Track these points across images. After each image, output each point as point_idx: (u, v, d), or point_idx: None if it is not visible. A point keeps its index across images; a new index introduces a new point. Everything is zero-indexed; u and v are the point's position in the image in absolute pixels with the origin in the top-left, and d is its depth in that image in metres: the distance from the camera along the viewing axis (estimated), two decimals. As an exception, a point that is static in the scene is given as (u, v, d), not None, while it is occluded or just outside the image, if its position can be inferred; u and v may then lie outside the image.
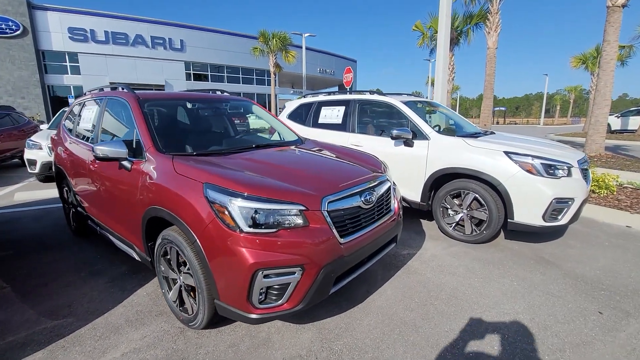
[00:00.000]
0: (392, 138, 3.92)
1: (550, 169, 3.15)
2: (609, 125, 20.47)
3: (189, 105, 3.11)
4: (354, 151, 3.04)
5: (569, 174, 3.21)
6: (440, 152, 3.69)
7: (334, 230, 1.91)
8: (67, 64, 25.63)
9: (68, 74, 25.77)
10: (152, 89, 29.01)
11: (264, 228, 1.76)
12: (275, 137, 3.61)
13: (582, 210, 3.53)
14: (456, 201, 3.65)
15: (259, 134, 3.93)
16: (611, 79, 7.99)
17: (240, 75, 33.26)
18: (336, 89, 52.22)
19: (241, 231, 1.73)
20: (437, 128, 4.58)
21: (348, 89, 14.57)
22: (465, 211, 3.56)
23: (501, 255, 3.28)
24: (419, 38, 13.81)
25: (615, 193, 4.85)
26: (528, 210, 3.18)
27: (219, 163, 2.23)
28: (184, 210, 1.93)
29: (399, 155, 4.02)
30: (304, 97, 5.62)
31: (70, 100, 24.07)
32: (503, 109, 55.60)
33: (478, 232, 3.48)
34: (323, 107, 5.12)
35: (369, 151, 4.29)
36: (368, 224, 2.20)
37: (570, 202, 3.15)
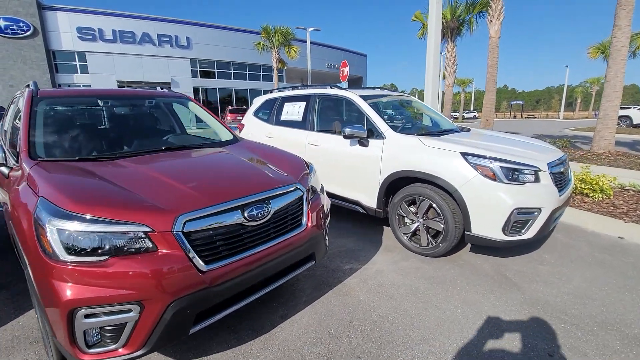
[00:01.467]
0: (345, 137, 3.51)
1: (512, 173, 2.67)
2: (630, 118, 19.21)
3: (100, 103, 2.80)
4: (278, 154, 2.66)
5: (537, 179, 2.72)
6: (395, 152, 3.26)
7: (193, 256, 1.55)
8: (77, 63, 26.11)
9: (78, 73, 26.27)
10: (159, 87, 29.22)
11: (89, 256, 1.41)
12: (214, 137, 3.27)
13: (558, 221, 3.05)
14: (412, 209, 3.21)
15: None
16: (622, 68, 7.23)
17: (247, 72, 33.12)
18: (346, 84, 51.55)
19: (58, 260, 1.39)
20: (408, 125, 4.16)
21: (345, 84, 14.09)
22: (421, 220, 3.13)
23: (457, 272, 2.83)
24: (420, 29, 13.12)
25: (611, 197, 4.27)
26: (486, 221, 2.72)
27: (89, 170, 1.90)
28: (19, 229, 1.62)
29: (354, 156, 3.61)
30: (271, 92, 5.25)
31: (78, 99, 24.51)
32: (520, 102, 53.31)
33: (434, 244, 3.04)
34: (286, 103, 4.74)
35: (326, 151, 3.93)
36: (256, 244, 1.82)
37: (536, 213, 2.66)
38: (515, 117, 52.38)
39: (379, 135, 3.44)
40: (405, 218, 3.27)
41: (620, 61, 7.20)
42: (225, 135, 3.21)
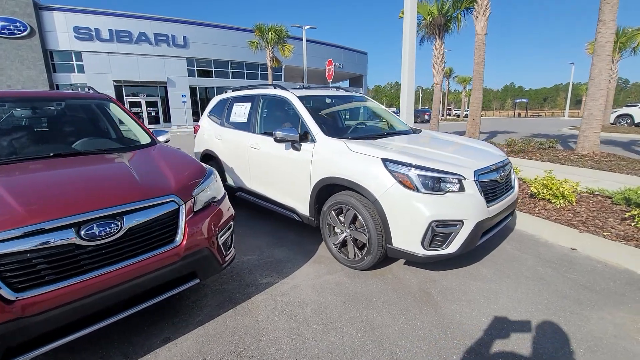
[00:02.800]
0: (276, 140, 3.29)
1: (431, 182, 2.43)
2: (632, 117, 18.65)
3: (-5, 106, 2.63)
4: (175, 160, 2.47)
5: (461, 189, 2.48)
6: (324, 157, 3.04)
7: (-5, 284, 1.36)
8: (74, 62, 26.22)
9: (75, 72, 26.38)
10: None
11: None
12: (139, 138, 3.10)
13: (493, 232, 2.80)
14: (341, 218, 2.99)
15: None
16: (606, 65, 6.89)
17: (245, 71, 33.01)
18: (347, 83, 51.07)
19: None
20: (346, 128, 3.94)
21: (330, 83, 13.86)
22: (348, 231, 2.91)
23: (379, 289, 2.61)
24: (407, 26, 12.80)
25: (574, 204, 3.99)
26: (406, 234, 2.49)
27: None
28: None
29: (288, 160, 3.40)
30: (225, 92, 5.06)
31: (74, 99, 24.60)
32: (525, 100, 52.36)
33: (360, 256, 2.82)
34: (235, 104, 4.55)
35: (265, 155, 3.72)
36: (100, 266, 1.63)
37: (458, 226, 2.42)
38: (519, 115, 51.53)
39: (311, 138, 3.22)
40: (335, 227, 3.05)
41: (605, 58, 6.85)
42: (144, 139, 3.04)
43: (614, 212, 3.71)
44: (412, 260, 2.60)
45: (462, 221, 2.41)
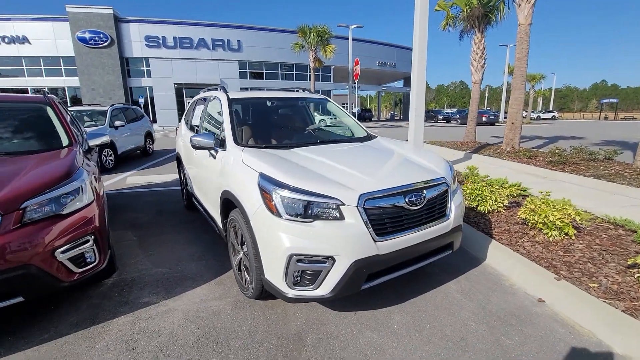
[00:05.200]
0: (193, 147, 3.05)
1: (298, 205, 1.96)
2: None
3: None
4: (42, 166, 2.38)
5: (340, 217, 1.96)
6: (227, 167, 2.72)
7: None
8: (144, 68, 29.32)
9: (145, 77, 29.48)
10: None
11: None
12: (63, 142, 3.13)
13: (397, 273, 2.20)
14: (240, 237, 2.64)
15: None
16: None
17: (294, 72, 33.63)
18: (401, 83, 48.98)
19: None
20: (304, 132, 3.56)
21: (356, 82, 13.21)
22: (242, 252, 2.55)
23: (250, 326, 2.21)
24: (444, 19, 11.50)
25: (572, 237, 3.06)
26: (272, 267, 2.06)
27: None
28: None
29: (207, 169, 3.18)
30: (203, 93, 5.00)
31: (140, 100, 27.50)
32: (614, 100, 44.49)
33: (248, 283, 2.45)
34: (197, 106, 4.45)
35: (199, 160, 3.53)
36: None
37: (327, 263, 1.91)
38: (606, 117, 44.15)
39: (226, 146, 2.92)
40: (237, 247, 2.72)
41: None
42: (65, 142, 3.08)
43: (623, 255, 2.74)
44: (285, 300, 2.14)
45: (332, 257, 1.91)
